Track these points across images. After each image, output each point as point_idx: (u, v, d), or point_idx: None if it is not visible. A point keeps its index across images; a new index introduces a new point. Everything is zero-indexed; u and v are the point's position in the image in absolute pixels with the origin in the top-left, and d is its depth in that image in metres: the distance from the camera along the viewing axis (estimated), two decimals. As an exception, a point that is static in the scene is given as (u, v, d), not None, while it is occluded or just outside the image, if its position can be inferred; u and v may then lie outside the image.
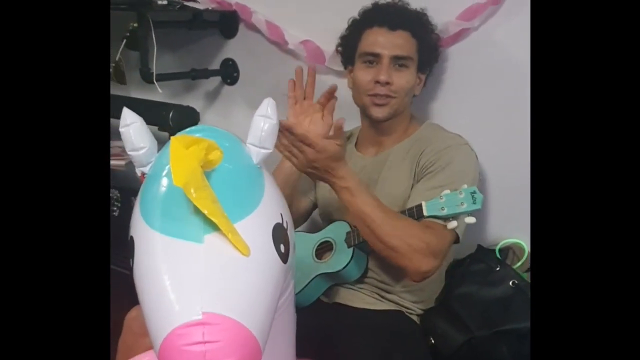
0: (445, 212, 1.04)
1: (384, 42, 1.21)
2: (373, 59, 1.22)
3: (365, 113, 1.27)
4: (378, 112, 1.23)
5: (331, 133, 1.18)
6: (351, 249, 1.20)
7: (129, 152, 0.76)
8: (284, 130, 1.02)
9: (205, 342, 0.58)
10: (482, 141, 1.25)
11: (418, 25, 1.24)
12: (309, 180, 1.38)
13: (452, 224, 1.04)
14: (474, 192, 1.02)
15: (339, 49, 1.34)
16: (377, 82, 1.20)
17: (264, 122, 0.76)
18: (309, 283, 1.24)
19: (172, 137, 0.69)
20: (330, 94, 1.31)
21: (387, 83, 1.20)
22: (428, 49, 1.26)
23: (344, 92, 1.32)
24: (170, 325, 0.59)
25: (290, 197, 1.25)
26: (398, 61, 1.21)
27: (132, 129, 0.74)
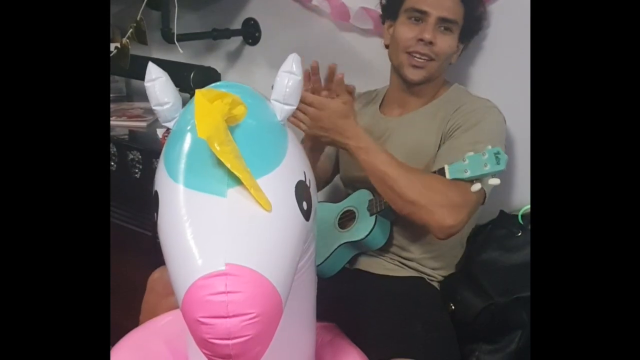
0: (468, 174, 1.02)
1: (434, 0, 1.17)
2: (419, 16, 1.18)
3: (399, 72, 1.23)
4: (413, 74, 1.20)
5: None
6: (374, 216, 1.19)
7: (153, 107, 0.76)
8: None
9: (227, 292, 0.58)
10: (511, 104, 1.22)
11: None
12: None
13: (476, 187, 1.01)
14: (498, 153, 1.00)
15: (383, 1, 1.30)
16: (420, 39, 1.17)
17: (288, 78, 0.75)
18: (332, 252, 1.23)
19: (196, 91, 0.68)
20: (331, 74, 1.11)
21: (431, 43, 1.16)
22: (474, 17, 1.23)
23: (370, 54, 1.29)
24: (194, 276, 0.60)
25: (313, 159, 1.24)
26: (444, 23, 1.17)
27: (157, 84, 0.74)
